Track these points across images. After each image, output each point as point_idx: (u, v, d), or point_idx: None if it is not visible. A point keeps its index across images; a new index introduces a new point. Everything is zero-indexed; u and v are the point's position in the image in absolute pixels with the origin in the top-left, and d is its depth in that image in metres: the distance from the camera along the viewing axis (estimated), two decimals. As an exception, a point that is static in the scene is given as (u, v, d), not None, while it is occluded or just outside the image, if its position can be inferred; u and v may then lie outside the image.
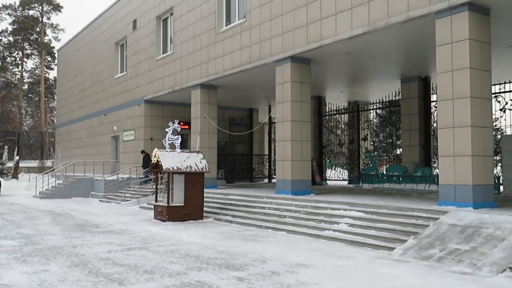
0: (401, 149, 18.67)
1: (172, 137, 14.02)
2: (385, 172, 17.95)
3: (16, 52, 56.65)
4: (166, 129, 14.21)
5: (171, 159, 13.45)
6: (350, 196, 13.39)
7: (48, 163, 40.87)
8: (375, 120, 21.08)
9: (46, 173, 27.11)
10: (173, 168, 13.31)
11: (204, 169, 13.77)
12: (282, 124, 14.50)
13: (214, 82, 18.51)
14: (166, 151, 13.73)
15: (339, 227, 10.30)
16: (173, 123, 14.22)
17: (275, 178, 23.40)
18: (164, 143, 14.13)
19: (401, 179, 17.00)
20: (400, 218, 9.71)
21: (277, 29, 14.52)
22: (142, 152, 21.96)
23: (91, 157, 28.55)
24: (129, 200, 19.62)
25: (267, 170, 25.54)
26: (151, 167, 14.07)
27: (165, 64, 21.46)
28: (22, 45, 56.37)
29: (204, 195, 14.18)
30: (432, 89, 17.10)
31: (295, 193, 13.93)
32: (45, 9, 56.10)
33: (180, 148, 14.22)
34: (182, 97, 21.63)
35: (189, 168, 13.51)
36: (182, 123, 21.87)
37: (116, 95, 26.45)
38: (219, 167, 22.25)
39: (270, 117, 24.38)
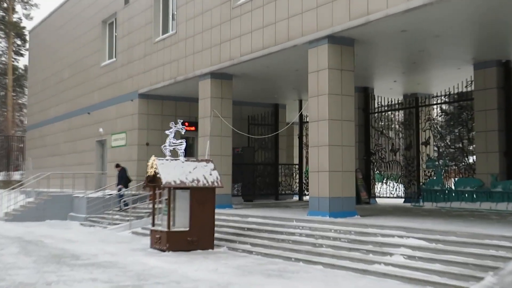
0: (474, 157, 18.52)
1: (174, 141, 14.15)
2: (453, 187, 17.90)
3: (-24, 34, 57.41)
4: (167, 132, 14.33)
5: (172, 170, 13.55)
6: (407, 219, 13.39)
7: (16, 175, 41.65)
8: (439, 119, 21.13)
9: (13, 188, 27.62)
10: (175, 182, 13.40)
11: (216, 184, 13.81)
12: (317, 124, 14.60)
13: (229, 70, 18.65)
14: (167, 160, 13.84)
15: (393, 259, 10.32)
16: (176, 123, 14.33)
17: (307, 195, 23.25)
18: (163, 150, 14.26)
19: (475, 196, 16.96)
20: (475, 248, 9.69)
21: (311, 0, 14.58)
22: (117, 166, 22.33)
23: (70, 168, 29.01)
24: (118, 224, 19.82)
25: (298, 185, 25.56)
26: (146, 181, 14.17)
27: (166, 48, 21.71)
28: (-17, 25, 57.07)
29: (216, 217, 14.25)
30: (516, 77, 17.08)
31: (334, 215, 13.94)
32: (13, -22, 56.71)
33: (185, 156, 14.32)
34: (187, 90, 21.84)
35: (196, 182, 13.58)
36: (187, 124, 21.83)
37: (102, 88, 26.87)
38: (234, 181, 22.25)
39: (301, 115, 24.33)
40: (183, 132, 14.41)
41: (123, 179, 21.91)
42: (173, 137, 14.23)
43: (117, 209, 21.44)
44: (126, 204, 21.41)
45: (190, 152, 22.31)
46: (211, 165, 14.18)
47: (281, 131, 24.39)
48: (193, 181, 13.58)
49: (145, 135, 23.51)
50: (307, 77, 15.01)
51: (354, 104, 14.75)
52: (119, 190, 21.74)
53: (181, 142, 14.22)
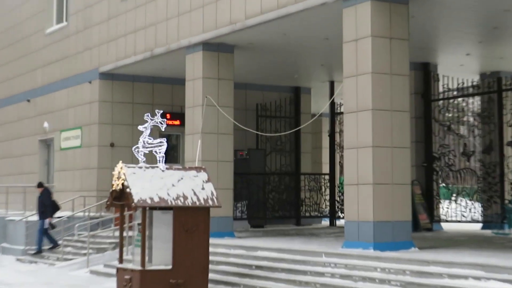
0: None
1: (151, 141, 14.04)
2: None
3: None
4: (140, 127, 14.21)
5: (148, 183, 13.45)
6: (487, 253, 13.24)
7: None
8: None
9: None
10: (152, 199, 13.29)
11: (210, 202, 13.72)
12: (355, 116, 14.63)
13: (229, 40, 18.69)
14: (140, 167, 13.75)
15: (466, 312, 10.29)
16: (153, 115, 14.23)
17: (342, 217, 23.19)
18: (135, 153, 14.16)
19: None
20: None
21: None
22: (39, 186, 22.41)
23: (2, 180, 29.13)
24: (71, 259, 19.78)
25: (328, 203, 25.55)
26: (111, 198, 14.09)
27: (139, 7, 21.72)
28: None
29: (211, 250, 14.13)
30: None
31: (380, 247, 13.89)
32: None
33: (166, 162, 14.23)
34: (169, 67, 21.90)
35: (181, 199, 13.48)
36: (168, 116, 21.87)
37: (48, 65, 26.99)
38: (238, 198, 22.21)
39: (332, 104, 24.31)
40: (163, 128, 14.30)
41: (49, 207, 21.74)
42: (149, 135, 14.09)
43: (34, 251, 21.68)
44: (52, 241, 21.53)
45: (173, 157, 22.31)
46: (203, 175, 14.07)
47: (304, 127, 24.23)
48: (177, 198, 13.47)
49: (108, 132, 23.55)
50: (341, 49, 14.99)
51: (409, 88, 14.76)
52: (49, 225, 21.63)
53: (160, 142, 14.04)
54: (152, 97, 23.80)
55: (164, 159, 14.07)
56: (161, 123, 14.23)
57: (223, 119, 19.14)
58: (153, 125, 14.19)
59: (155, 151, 14.06)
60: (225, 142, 19.26)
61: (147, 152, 14.11)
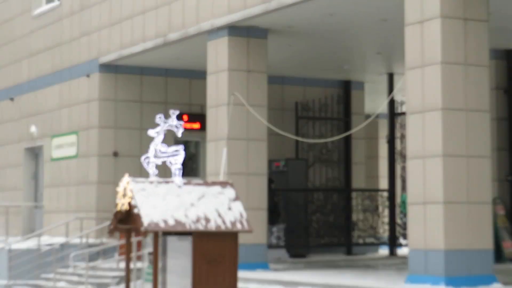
0: None
1: (164, 149, 14.02)
2: None
3: None
4: (151, 132, 14.07)
5: (161, 201, 13.41)
6: None
7: None
8: None
9: None
10: (166, 222, 13.24)
11: (239, 225, 13.66)
12: (421, 117, 14.65)
13: (261, 22, 18.76)
14: (151, 182, 13.73)
15: None
16: (167, 117, 14.19)
17: (405, 245, 23.21)
18: (145, 164, 14.14)
19: None
20: None
21: None
22: None
23: (-20, 197, 29.39)
24: (65, 297, 20.03)
25: (387, 227, 25.63)
26: (115, 221, 14.08)
27: (148, -18, 22.04)
28: None
29: (239, 285, 13.93)
30: None
31: (454, 282, 13.82)
32: None
33: (183, 176, 14.20)
34: (186, 56, 22.04)
35: (202, 222, 13.34)
36: (186, 118, 21.95)
37: (36, 55, 27.18)
38: (273, 221, 22.27)
39: (392, 103, 24.33)
40: (179, 133, 14.21)
41: None
42: (162, 142, 14.05)
43: None
44: None
45: (192, 169, 22.38)
46: (230, 192, 13.89)
47: (356, 131, 24.02)
48: (198, 220, 13.36)
49: (111, 138, 23.70)
50: (403, 33, 15.05)
51: (489, 82, 14.76)
52: None
53: (176, 150, 13.90)
54: (166, 94, 23.94)
55: (181, 171, 13.92)
56: (177, 127, 13.98)
57: (254, 122, 19.13)
58: (167, 130, 14.11)
59: (170, 162, 13.84)
60: (256, 150, 19.28)
61: (160, 163, 13.99)
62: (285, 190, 23.54)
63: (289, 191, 23.89)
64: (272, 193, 21.67)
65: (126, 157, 23.25)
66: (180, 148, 14.08)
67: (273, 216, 22.27)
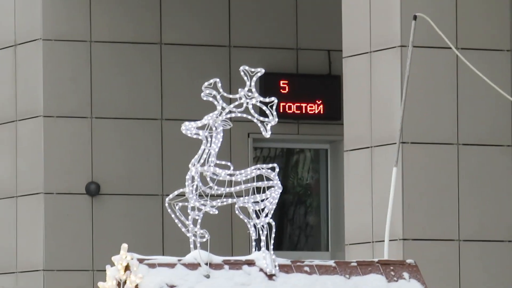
0: None
1: (220, 170, 9.54)
2: None
3: None
4: (184, 128, 9.16)
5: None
6: None
7: None
8: None
9: None
10: None
11: None
12: None
13: None
14: (185, 263, 9.46)
15: None
16: (216, 91, 9.43)
17: None
18: (171, 211, 9.40)
19: None
20: None
21: None
22: None
23: None
24: None
25: None
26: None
27: None
28: None
29: None
30: None
31: None
32: None
33: (277, 248, 11.59)
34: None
35: None
36: (285, 89, 18.30)
37: None
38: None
39: None
40: (268, 133, 8.66)
41: None
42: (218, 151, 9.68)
43: None
44: None
45: (307, 228, 19.68)
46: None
47: None
48: None
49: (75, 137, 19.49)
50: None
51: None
52: None
53: (270, 169, 9.41)
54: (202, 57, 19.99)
55: (273, 232, 8.61)
56: (266, 122, 8.85)
57: (488, 93, 13.10)
58: (225, 122, 8.91)
59: (249, 204, 8.71)
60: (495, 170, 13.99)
61: (217, 204, 8.72)
62: None
63: None
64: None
65: (112, 196, 18.77)
66: (274, 167, 9.08)
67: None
